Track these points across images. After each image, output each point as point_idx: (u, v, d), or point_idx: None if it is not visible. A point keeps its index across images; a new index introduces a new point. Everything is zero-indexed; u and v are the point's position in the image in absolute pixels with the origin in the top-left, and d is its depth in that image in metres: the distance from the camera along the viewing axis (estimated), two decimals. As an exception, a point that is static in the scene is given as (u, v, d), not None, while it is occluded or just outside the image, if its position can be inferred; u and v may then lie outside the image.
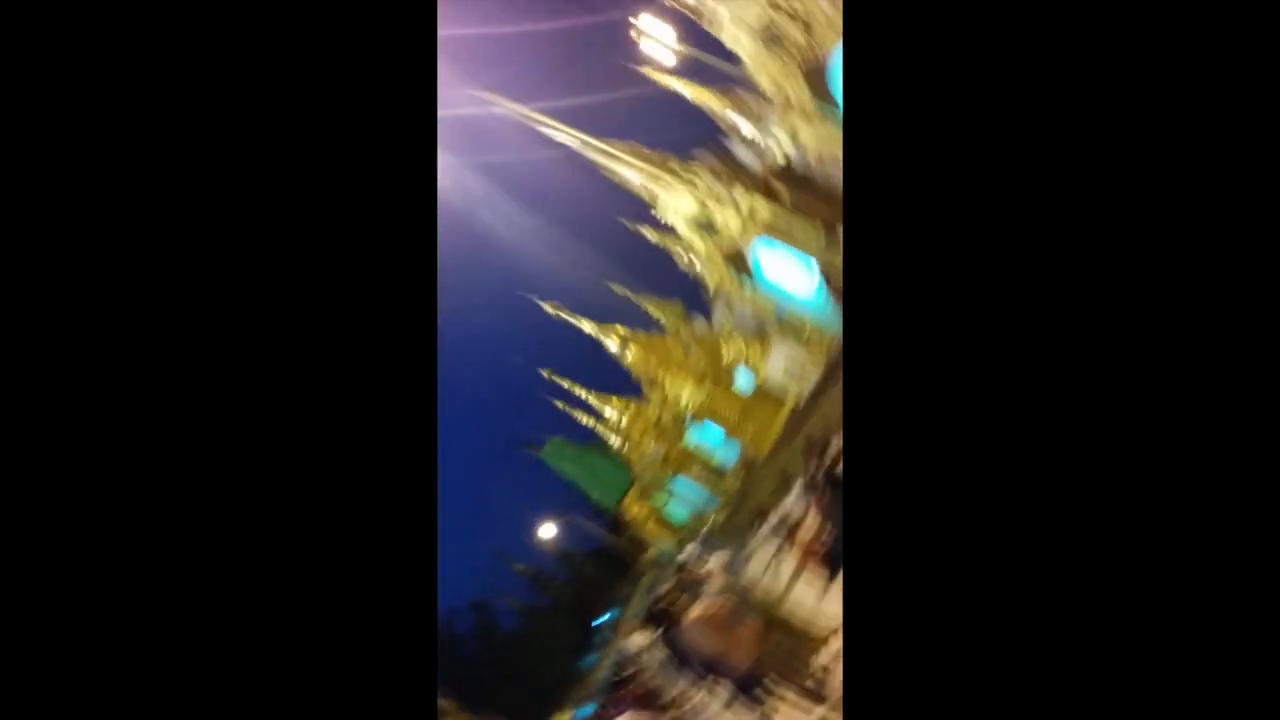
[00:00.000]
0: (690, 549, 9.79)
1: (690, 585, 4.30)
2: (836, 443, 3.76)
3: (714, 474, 17.94)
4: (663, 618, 4.54)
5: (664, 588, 4.68)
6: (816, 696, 3.74)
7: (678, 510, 20.70)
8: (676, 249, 14.42)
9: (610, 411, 19.89)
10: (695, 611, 3.92)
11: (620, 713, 5.35)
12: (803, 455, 8.41)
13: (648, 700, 5.76)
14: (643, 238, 14.64)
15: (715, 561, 4.49)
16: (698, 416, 16.93)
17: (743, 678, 3.90)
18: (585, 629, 27.43)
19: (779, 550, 7.85)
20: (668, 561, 19.93)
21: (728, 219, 13.09)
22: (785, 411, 14.16)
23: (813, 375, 12.59)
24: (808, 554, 5.59)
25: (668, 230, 14.33)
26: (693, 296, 16.91)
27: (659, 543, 21.66)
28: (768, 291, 13.48)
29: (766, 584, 6.23)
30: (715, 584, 4.37)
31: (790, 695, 3.86)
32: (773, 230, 12.45)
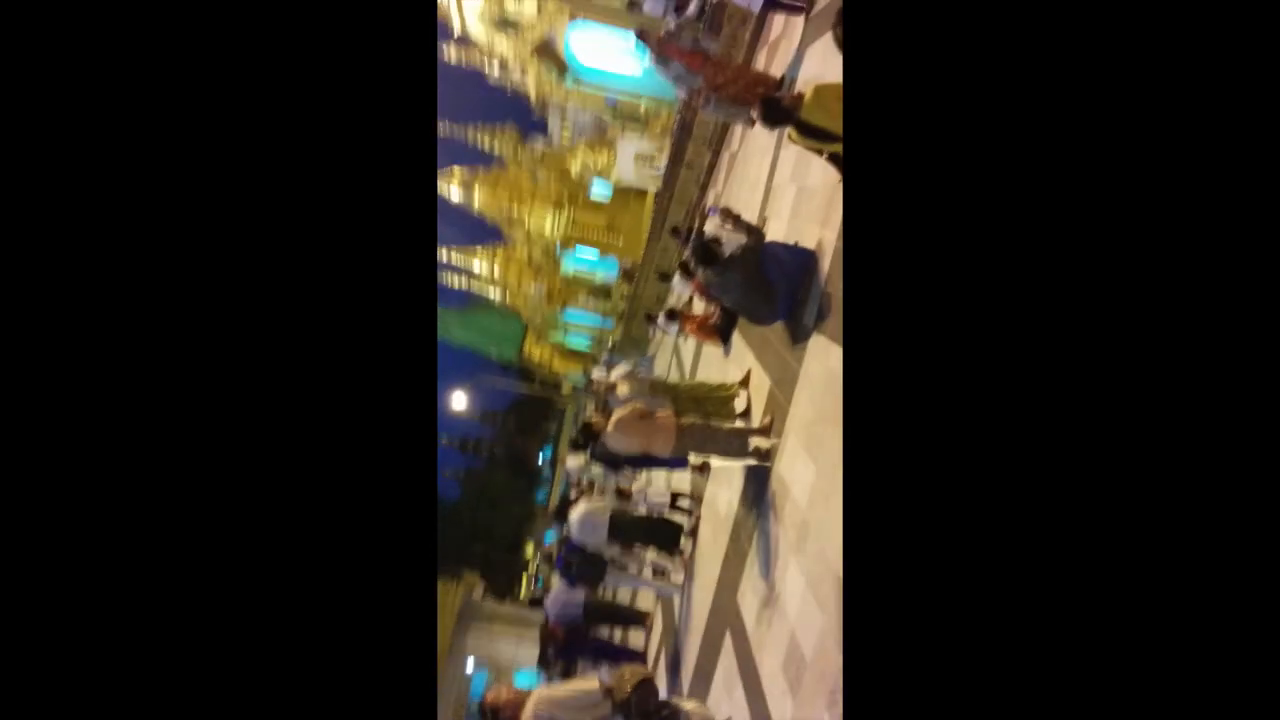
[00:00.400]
0: (597, 371, 10.10)
1: (607, 400, 4.37)
2: (699, 218, 3.71)
3: (599, 294, 18.03)
4: (588, 436, 4.65)
5: (588, 412, 4.71)
6: (757, 431, 4.02)
7: (577, 340, 21.06)
8: (483, 62, 12.82)
9: (479, 264, 18.89)
10: (612, 421, 4.02)
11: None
12: (675, 241, 8.42)
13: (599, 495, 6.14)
14: (443, 59, 12.78)
15: (620, 371, 4.54)
16: (567, 243, 16.47)
17: (672, 460, 4.14)
18: (529, 473, 29.02)
19: (676, 338, 8.19)
20: (582, 388, 20.70)
21: (523, 8, 11.59)
22: (648, 203, 13.98)
23: (662, 155, 12.24)
24: (700, 330, 5.86)
25: (467, 43, 12.59)
26: (522, 115, 15.46)
27: (569, 375, 22.29)
28: (592, 80, 12.49)
29: (673, 372, 6.58)
30: (626, 390, 4.46)
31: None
32: (574, 4, 11.20)
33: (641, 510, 5.71)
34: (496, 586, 23.05)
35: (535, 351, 21.86)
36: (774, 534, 3.64)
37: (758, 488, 4.06)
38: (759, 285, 3.64)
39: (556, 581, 6.03)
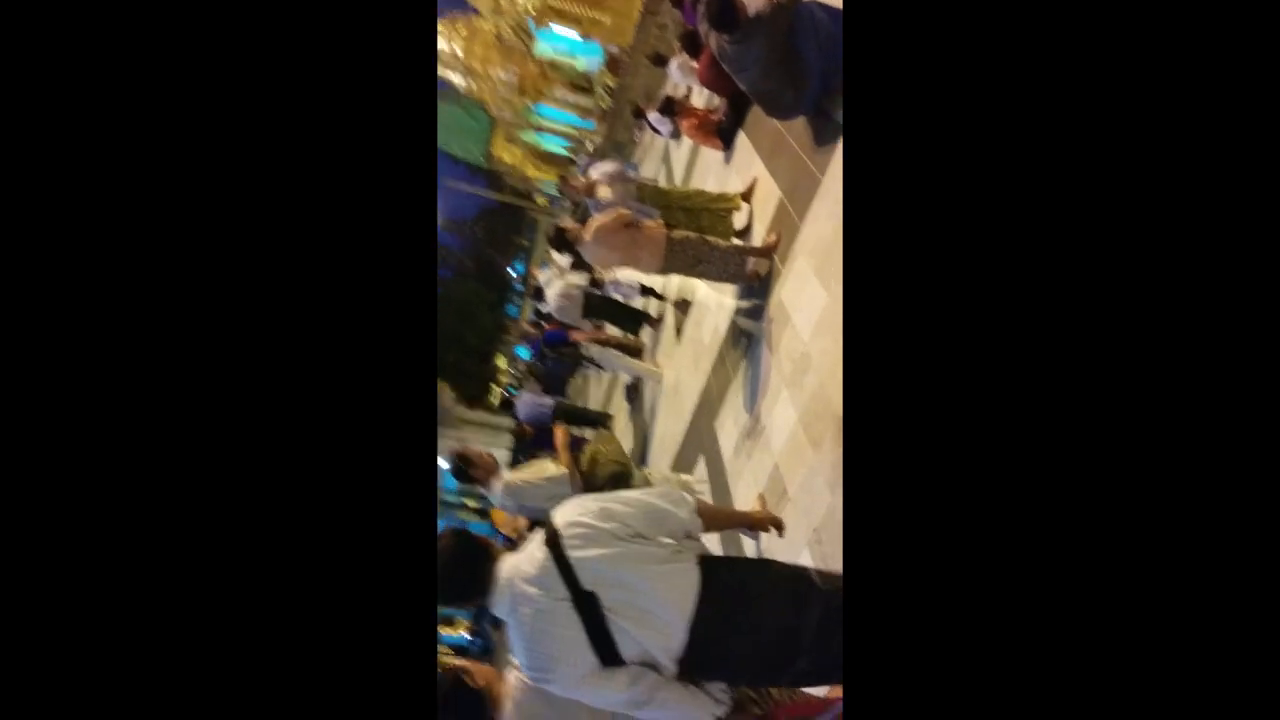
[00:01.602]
0: (574, 173, 9.17)
1: (586, 203, 3.76)
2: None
3: (579, 88, 16.04)
4: (562, 244, 4.10)
5: (563, 223, 4.13)
6: (758, 251, 3.56)
7: (552, 142, 19.29)
8: None
9: (440, 42, 16.38)
10: (591, 228, 3.46)
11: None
12: (672, 25, 7.09)
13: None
14: None
15: (603, 170, 3.85)
16: (542, 19, 14.18)
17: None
18: (499, 285, 28.62)
19: (668, 141, 7.26)
20: (558, 199, 19.42)
21: None
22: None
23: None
24: (699, 130, 5.04)
25: None
26: None
27: (542, 184, 20.78)
28: None
29: (663, 179, 5.88)
30: (609, 193, 3.83)
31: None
32: None
33: (614, 296, 5.91)
34: (467, 393, 23.83)
35: (505, 154, 20.01)
36: (766, 364, 3.32)
37: (753, 313, 3.67)
38: (787, 60, 2.86)
39: (528, 386, 6.44)
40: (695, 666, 1.31)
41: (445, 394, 21.31)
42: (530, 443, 5.87)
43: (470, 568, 1.33)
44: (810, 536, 2.52)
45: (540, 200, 22.01)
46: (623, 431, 6.51)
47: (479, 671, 1.59)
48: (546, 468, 2.87)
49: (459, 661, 1.64)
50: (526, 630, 1.29)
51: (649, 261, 3.49)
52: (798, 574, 1.42)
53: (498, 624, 7.71)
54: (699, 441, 3.99)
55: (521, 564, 1.33)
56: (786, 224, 3.39)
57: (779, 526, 1.67)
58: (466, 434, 19.32)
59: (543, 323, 6.04)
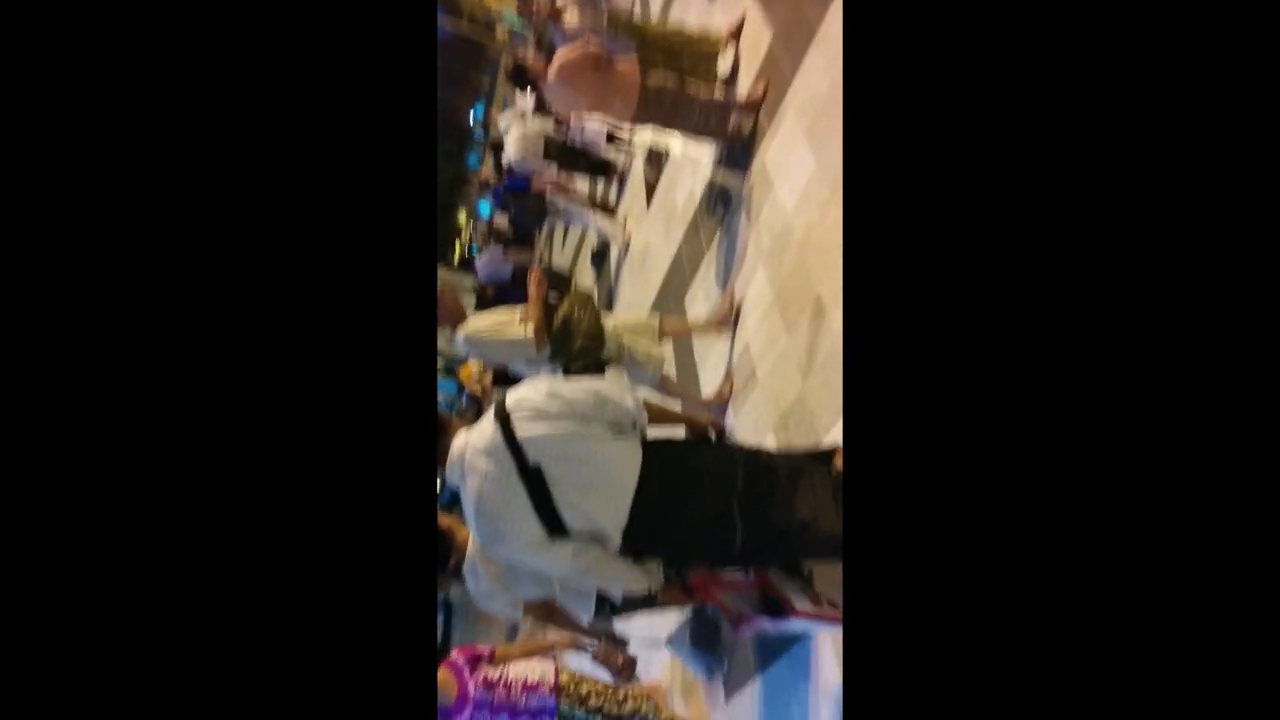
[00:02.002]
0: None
1: (549, 36, 3.21)
2: None
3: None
4: (523, 82, 3.59)
5: (524, 58, 3.58)
6: (744, 105, 3.18)
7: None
8: None
9: None
10: (555, 64, 2.98)
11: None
12: None
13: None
14: None
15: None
16: None
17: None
18: (458, 133, 26.55)
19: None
20: (519, 34, 17.40)
21: None
22: None
23: None
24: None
25: None
26: None
27: (503, 14, 18.47)
28: None
29: (638, 11, 5.18)
30: (575, 20, 3.27)
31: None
32: None
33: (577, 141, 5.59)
34: None
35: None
36: (743, 236, 3.07)
37: (732, 178, 3.34)
38: None
39: (489, 247, 6.40)
40: (637, 541, 1.37)
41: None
42: (492, 301, 5.73)
43: None
44: (777, 423, 2.44)
45: (500, 34, 19.71)
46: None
47: (441, 517, 1.76)
48: (511, 326, 2.61)
49: None
50: (474, 500, 1.35)
51: (620, 108, 3.07)
52: (741, 456, 1.46)
53: None
54: (665, 311, 3.81)
55: (473, 438, 1.38)
56: (776, 74, 2.97)
57: (720, 432, 1.68)
58: (427, 292, 18.82)
59: (504, 173, 5.66)
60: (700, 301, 3.44)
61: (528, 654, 2.03)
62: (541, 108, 5.41)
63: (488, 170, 5.80)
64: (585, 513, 1.33)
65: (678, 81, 3.10)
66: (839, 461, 1.49)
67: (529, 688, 1.88)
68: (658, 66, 3.16)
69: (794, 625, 1.50)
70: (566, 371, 2.61)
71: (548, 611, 1.83)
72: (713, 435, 1.60)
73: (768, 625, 1.50)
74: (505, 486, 1.32)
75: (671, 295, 3.84)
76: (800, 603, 1.43)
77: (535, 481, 1.31)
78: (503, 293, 5.89)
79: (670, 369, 3.36)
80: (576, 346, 2.57)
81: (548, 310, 2.64)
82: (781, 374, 2.49)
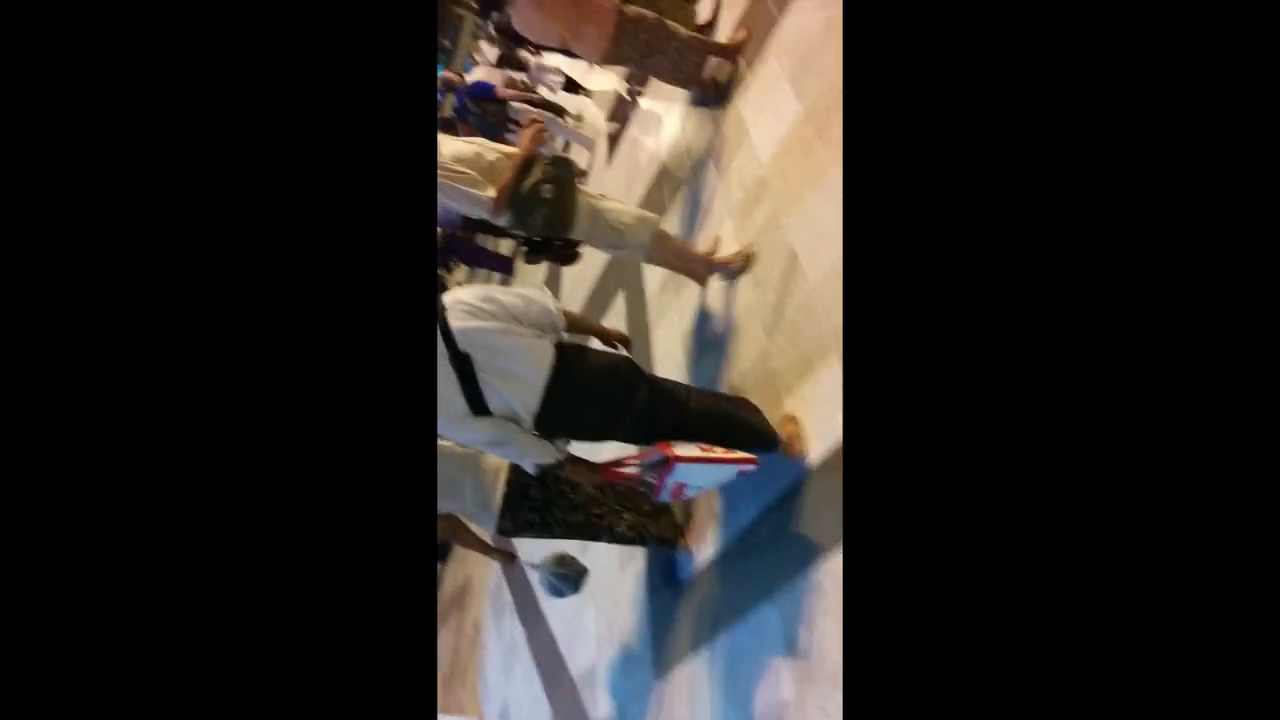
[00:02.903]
0: None
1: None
2: None
3: None
4: (489, 6, 3.26)
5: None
6: (722, 49, 2.98)
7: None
8: None
9: None
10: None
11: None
12: None
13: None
14: None
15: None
16: None
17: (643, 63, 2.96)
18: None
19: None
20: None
21: None
22: None
23: None
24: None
25: None
26: None
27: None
28: None
29: None
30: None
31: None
32: None
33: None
34: None
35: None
36: (711, 187, 2.89)
37: (701, 125, 3.15)
38: None
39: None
40: (546, 423, 1.63)
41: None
42: (440, 252, 5.67)
43: None
44: (735, 382, 2.28)
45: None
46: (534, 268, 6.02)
47: None
48: (472, 176, 2.11)
49: None
50: None
51: (593, 41, 2.81)
52: (634, 370, 1.73)
53: None
54: (619, 273, 3.60)
55: None
56: (762, 16, 2.79)
57: (626, 344, 1.91)
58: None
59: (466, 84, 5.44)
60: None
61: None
62: (506, 60, 5.04)
63: (451, 73, 5.36)
64: (503, 396, 1.57)
65: (656, 16, 2.87)
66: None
67: None
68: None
69: (695, 476, 1.67)
70: (528, 245, 2.35)
71: (454, 523, 2.21)
72: (620, 349, 1.84)
73: (673, 484, 1.66)
74: (438, 369, 1.52)
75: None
76: (683, 449, 1.63)
77: (463, 366, 1.54)
78: (450, 240, 5.76)
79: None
80: (540, 218, 2.15)
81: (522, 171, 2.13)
82: (745, 331, 2.33)
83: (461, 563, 4.92)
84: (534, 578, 2.73)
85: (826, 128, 2.19)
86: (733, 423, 1.76)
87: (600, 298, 3.77)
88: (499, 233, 6.99)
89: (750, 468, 1.68)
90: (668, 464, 1.60)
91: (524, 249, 2.43)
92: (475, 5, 3.30)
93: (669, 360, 2.74)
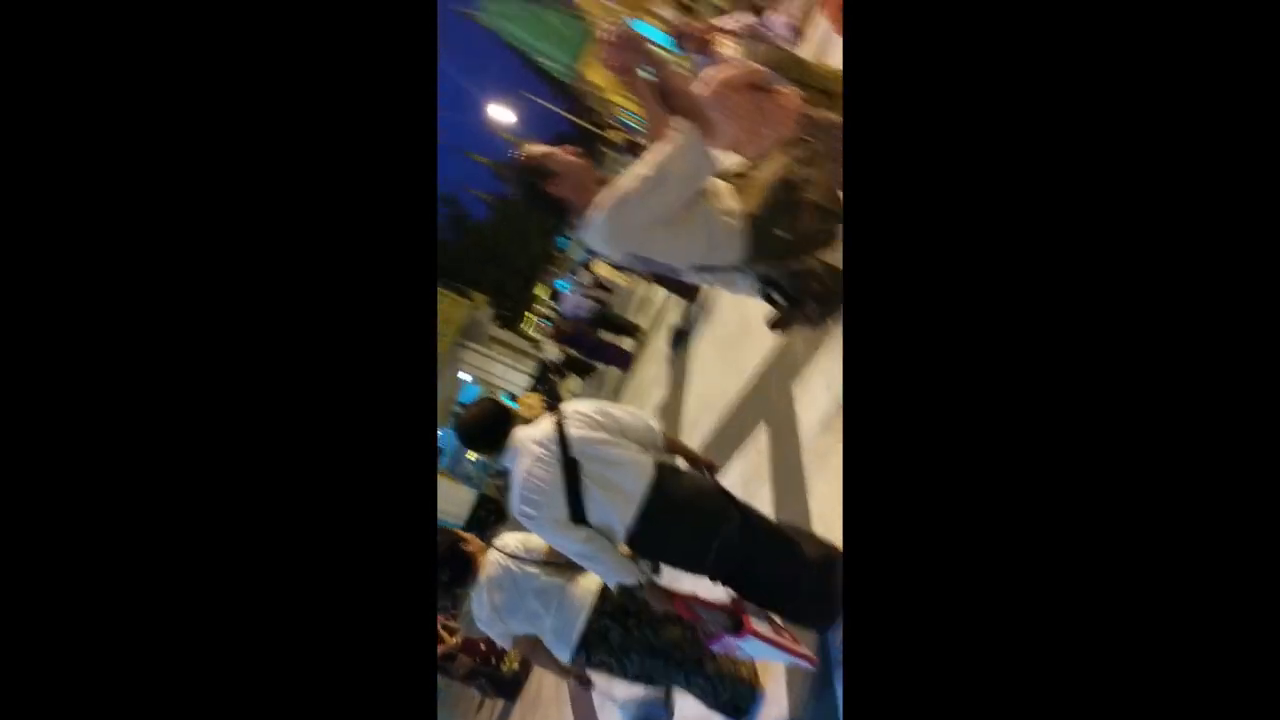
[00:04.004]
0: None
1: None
2: None
3: (685, 6, 14.53)
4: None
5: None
6: None
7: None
8: None
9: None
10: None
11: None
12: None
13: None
14: None
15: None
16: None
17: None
18: (557, 213, 27.84)
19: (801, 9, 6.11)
20: (622, 151, 18.18)
21: None
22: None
23: None
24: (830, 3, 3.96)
25: None
26: None
27: (625, 116, 19.49)
28: None
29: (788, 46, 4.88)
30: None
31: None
32: None
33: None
34: (503, 313, 23.76)
35: (595, 75, 18.73)
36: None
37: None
38: None
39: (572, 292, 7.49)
40: (638, 540, 1.66)
41: (483, 309, 21.15)
42: (567, 338, 7.03)
43: (495, 426, 1.78)
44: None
45: (619, 138, 20.73)
46: (653, 380, 5.74)
47: (471, 541, 2.10)
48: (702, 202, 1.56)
49: (458, 531, 2.15)
50: (523, 476, 1.68)
51: (766, 147, 2.52)
52: (726, 496, 1.73)
53: (502, 515, 9.08)
54: (765, 404, 3.09)
55: (531, 430, 1.74)
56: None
57: (712, 470, 1.86)
58: (494, 352, 19.08)
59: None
60: (820, 395, 2.71)
61: None
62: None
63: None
64: (603, 508, 1.60)
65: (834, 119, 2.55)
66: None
67: None
68: (819, 104, 2.65)
69: (754, 649, 1.66)
70: (770, 300, 1.60)
71: (532, 646, 2.06)
72: (706, 474, 1.80)
73: (731, 642, 1.64)
74: (548, 468, 1.61)
75: (774, 382, 3.13)
76: (760, 625, 1.62)
77: (571, 471, 1.59)
78: (578, 331, 6.85)
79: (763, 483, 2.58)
80: (797, 234, 1.43)
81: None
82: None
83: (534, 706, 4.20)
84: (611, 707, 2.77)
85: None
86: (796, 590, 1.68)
87: (731, 435, 3.25)
88: (620, 329, 7.33)
89: (808, 666, 1.72)
90: (739, 632, 1.61)
91: (779, 303, 1.59)
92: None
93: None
